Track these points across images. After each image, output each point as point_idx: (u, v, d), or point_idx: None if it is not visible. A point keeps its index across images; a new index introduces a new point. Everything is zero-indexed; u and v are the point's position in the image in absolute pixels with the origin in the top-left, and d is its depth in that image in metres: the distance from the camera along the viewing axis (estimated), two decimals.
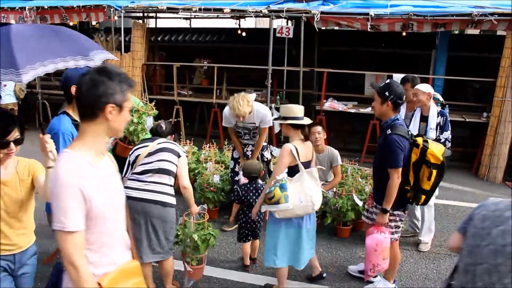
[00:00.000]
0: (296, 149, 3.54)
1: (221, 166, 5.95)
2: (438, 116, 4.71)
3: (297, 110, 3.66)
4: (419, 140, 3.62)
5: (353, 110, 8.65)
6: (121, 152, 4.28)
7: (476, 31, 9.14)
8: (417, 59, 5.87)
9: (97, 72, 1.87)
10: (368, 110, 8.64)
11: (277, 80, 9.53)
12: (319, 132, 5.24)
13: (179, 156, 3.53)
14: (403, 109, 5.62)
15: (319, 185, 3.64)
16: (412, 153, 3.61)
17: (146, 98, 9.35)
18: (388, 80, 3.78)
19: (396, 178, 3.56)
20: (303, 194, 3.47)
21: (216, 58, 10.79)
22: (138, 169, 3.45)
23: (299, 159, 3.53)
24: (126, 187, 3.36)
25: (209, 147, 6.65)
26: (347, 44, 10.19)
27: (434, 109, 4.75)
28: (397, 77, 7.96)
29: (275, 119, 3.73)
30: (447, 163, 3.63)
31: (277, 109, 9.11)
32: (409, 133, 3.71)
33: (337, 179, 5.38)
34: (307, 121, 3.67)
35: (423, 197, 3.70)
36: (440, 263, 4.64)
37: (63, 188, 1.78)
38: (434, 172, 3.57)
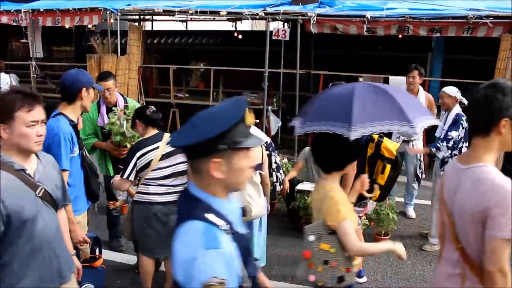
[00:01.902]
0: None
1: None
2: (453, 118, 4.72)
3: None
4: (375, 136, 3.69)
5: None
6: (117, 154, 4.26)
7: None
8: (413, 62, 5.88)
9: (490, 87, 1.90)
10: None
11: (274, 83, 9.53)
12: None
13: None
14: None
15: (260, 191, 3.55)
16: (368, 148, 3.68)
17: (142, 100, 9.35)
18: (332, 84, 3.86)
19: (351, 169, 3.58)
20: (241, 200, 3.42)
21: (213, 60, 10.79)
22: (157, 174, 3.43)
23: None
24: (151, 193, 3.44)
25: None
26: (344, 46, 10.21)
27: (454, 112, 4.75)
28: (394, 79, 8.01)
29: None
30: (401, 159, 3.66)
31: (274, 111, 9.12)
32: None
33: None
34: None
35: (378, 192, 3.70)
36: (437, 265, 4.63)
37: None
38: (388, 166, 3.59)
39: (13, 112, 2.03)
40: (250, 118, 1.52)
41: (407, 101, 2.83)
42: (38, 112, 2.10)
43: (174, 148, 3.42)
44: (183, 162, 3.49)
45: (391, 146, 3.62)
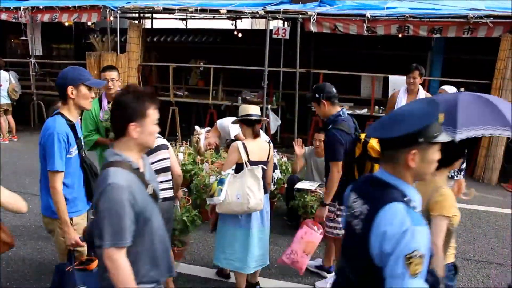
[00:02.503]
0: (245, 147, 3.55)
1: (218, 167, 5.92)
2: None
3: (249, 108, 3.71)
4: (362, 135, 3.63)
5: (349, 112, 8.61)
6: None
7: None
8: (413, 61, 5.88)
9: None
10: (364, 111, 8.66)
11: (273, 81, 9.54)
12: (321, 140, 5.27)
13: (168, 148, 3.60)
14: (404, 100, 5.63)
15: (260, 185, 3.55)
16: (356, 148, 3.63)
17: None
18: (314, 86, 3.89)
19: (336, 171, 3.58)
20: (241, 191, 3.46)
21: (212, 59, 10.78)
22: None
23: (247, 157, 3.54)
24: None
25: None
26: (343, 45, 10.21)
27: None
28: (393, 78, 8.01)
29: (233, 122, 3.85)
30: None
31: (273, 110, 9.12)
32: (355, 129, 3.73)
33: None
34: (254, 111, 3.67)
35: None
36: None
37: None
38: (377, 166, 3.54)
39: (147, 110, 2.08)
40: (441, 116, 1.79)
41: (509, 108, 3.08)
42: (157, 110, 2.18)
43: (156, 145, 3.44)
44: (166, 159, 3.51)
45: (378, 146, 3.56)
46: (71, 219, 2.94)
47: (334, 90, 3.73)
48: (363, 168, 3.61)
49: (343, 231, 3.80)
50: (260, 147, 3.68)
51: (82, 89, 2.93)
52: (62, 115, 2.96)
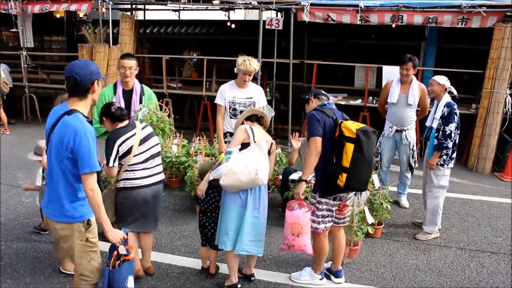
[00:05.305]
0: (252, 130, 3.71)
1: (211, 159, 5.91)
2: (444, 107, 4.79)
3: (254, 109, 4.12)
4: (339, 121, 3.67)
5: (343, 102, 8.65)
6: None
7: None
8: (407, 51, 5.87)
9: None
10: (358, 102, 8.66)
11: (267, 72, 9.50)
12: None
13: (156, 135, 3.91)
14: (397, 90, 5.63)
15: (267, 159, 3.64)
16: (335, 132, 3.69)
17: None
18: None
19: (314, 147, 3.62)
20: (248, 161, 3.53)
21: (206, 50, 10.72)
22: (139, 158, 3.65)
23: (254, 139, 3.67)
24: (138, 178, 3.65)
25: (199, 140, 6.60)
26: (337, 36, 10.19)
27: (444, 100, 4.86)
28: (387, 69, 8.00)
29: (237, 122, 4.03)
30: (366, 139, 3.47)
31: (267, 101, 9.09)
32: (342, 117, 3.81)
33: None
34: (254, 111, 3.99)
35: (344, 175, 3.53)
36: (430, 254, 4.67)
37: None
38: (350, 146, 3.48)
39: None
40: None
41: None
42: None
43: (148, 133, 3.73)
44: (157, 144, 3.79)
45: (352, 125, 3.52)
46: (89, 220, 2.86)
47: (322, 92, 4.05)
48: (341, 151, 3.53)
49: (323, 225, 3.79)
50: (264, 136, 3.83)
51: (100, 84, 2.82)
52: (80, 112, 2.74)
